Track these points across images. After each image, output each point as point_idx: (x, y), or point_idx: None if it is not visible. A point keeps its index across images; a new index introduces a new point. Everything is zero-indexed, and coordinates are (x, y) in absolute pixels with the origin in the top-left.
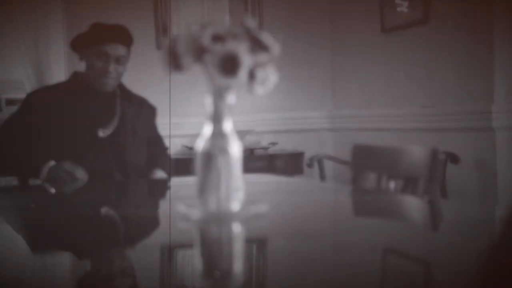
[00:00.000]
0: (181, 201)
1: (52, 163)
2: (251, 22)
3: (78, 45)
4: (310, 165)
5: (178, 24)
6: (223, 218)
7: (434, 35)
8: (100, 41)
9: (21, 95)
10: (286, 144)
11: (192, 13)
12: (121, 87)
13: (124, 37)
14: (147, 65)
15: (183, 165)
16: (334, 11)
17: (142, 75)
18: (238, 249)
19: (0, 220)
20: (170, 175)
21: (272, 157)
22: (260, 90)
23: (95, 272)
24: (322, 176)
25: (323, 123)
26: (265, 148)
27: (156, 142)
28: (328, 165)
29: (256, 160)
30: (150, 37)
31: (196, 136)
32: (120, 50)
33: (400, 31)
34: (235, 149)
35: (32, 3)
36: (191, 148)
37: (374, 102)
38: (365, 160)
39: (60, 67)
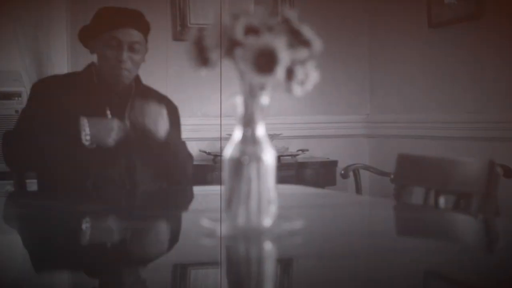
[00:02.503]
0: (204, 214)
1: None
2: (290, 13)
3: (86, 35)
4: (344, 176)
5: (197, 13)
6: (253, 234)
7: (487, 32)
8: (110, 26)
9: (18, 88)
10: (317, 151)
11: (212, 1)
12: (138, 82)
13: (138, 21)
14: (162, 58)
15: (201, 172)
16: (373, 3)
17: (157, 69)
18: (269, 269)
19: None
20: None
21: (301, 166)
22: (298, 90)
23: None
24: (358, 189)
25: (359, 129)
26: (294, 155)
27: (176, 148)
28: (365, 176)
29: (283, 169)
30: (166, 27)
31: (216, 139)
32: (133, 35)
33: (449, 27)
34: (269, 156)
35: None
36: (209, 154)
37: (416, 107)
38: (411, 172)
39: (62, 58)
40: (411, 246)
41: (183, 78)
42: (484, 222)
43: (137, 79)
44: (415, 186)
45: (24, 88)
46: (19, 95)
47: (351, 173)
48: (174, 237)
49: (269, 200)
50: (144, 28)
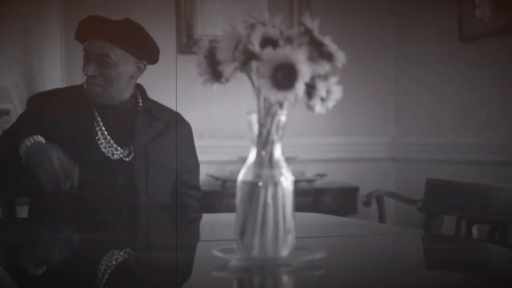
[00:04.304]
0: (214, 244)
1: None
2: (312, 23)
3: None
4: (367, 203)
5: (204, 23)
6: (269, 266)
7: None
8: (81, 39)
9: (5, 105)
10: (337, 177)
11: (222, 10)
12: (144, 98)
13: (103, 30)
14: (165, 72)
15: (208, 198)
16: (399, 15)
17: (159, 84)
18: None
19: None
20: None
21: (319, 192)
22: (320, 107)
23: None
24: (382, 217)
25: (383, 152)
26: (311, 181)
27: (184, 174)
28: (389, 204)
29: (299, 195)
30: (171, 39)
31: (224, 163)
32: (100, 47)
33: (483, 40)
34: (287, 180)
35: None
36: (217, 178)
37: (446, 128)
38: (441, 199)
39: (55, 71)
40: (441, 280)
41: (188, 95)
42: None
43: (143, 93)
44: (445, 214)
45: (13, 105)
46: (7, 112)
47: (374, 201)
48: (183, 269)
49: (287, 229)
50: (115, 38)
